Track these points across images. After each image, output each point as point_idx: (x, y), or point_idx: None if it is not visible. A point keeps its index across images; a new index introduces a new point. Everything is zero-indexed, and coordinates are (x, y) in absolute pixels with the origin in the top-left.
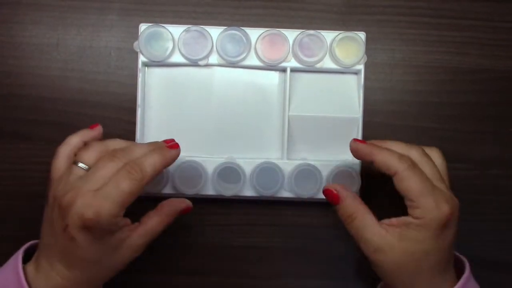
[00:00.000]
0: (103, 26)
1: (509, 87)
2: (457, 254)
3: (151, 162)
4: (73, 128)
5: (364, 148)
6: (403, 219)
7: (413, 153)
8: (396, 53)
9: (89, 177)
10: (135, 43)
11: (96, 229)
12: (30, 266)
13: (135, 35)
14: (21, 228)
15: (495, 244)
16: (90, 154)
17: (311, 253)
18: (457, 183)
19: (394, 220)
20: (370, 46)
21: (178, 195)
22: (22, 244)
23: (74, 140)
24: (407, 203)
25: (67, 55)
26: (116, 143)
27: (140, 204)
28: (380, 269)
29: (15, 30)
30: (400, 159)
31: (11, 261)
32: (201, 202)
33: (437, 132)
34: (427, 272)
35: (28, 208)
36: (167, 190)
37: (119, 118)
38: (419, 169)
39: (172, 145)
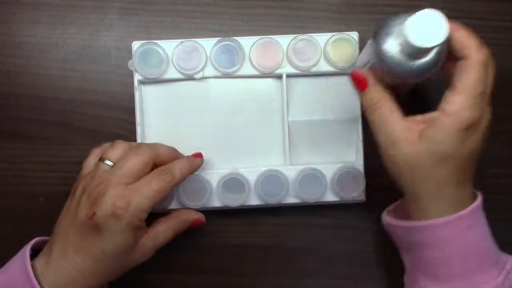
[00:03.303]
0: (103, 25)
1: (510, 86)
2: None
3: (180, 167)
4: (73, 128)
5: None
6: (428, 115)
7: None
8: None
9: (116, 169)
10: (130, 62)
11: (123, 220)
12: (39, 260)
13: (134, 35)
14: (21, 227)
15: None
16: (116, 152)
17: (311, 252)
18: None
19: (419, 116)
20: None
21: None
22: (23, 243)
23: (107, 144)
24: (446, 92)
25: (66, 55)
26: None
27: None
28: (393, 165)
29: (14, 29)
30: (481, 48)
31: (17, 257)
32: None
33: None
34: (442, 178)
35: (27, 208)
36: (174, 205)
37: (119, 118)
38: (489, 70)
39: (196, 154)
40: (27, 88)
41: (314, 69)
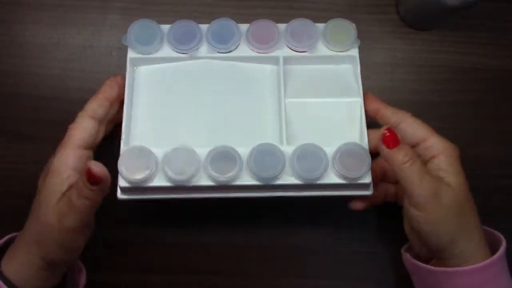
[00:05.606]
0: (104, 25)
1: (510, 86)
2: (493, 231)
3: (87, 105)
4: None
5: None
6: (430, 165)
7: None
8: (397, 52)
9: None
10: (124, 36)
11: (51, 170)
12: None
13: None
14: (21, 228)
15: None
16: None
17: (312, 253)
18: None
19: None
20: (371, 45)
21: (170, 187)
22: None
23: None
24: (421, 151)
25: (68, 55)
26: None
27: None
28: (435, 214)
29: (16, 29)
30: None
31: None
32: (202, 201)
33: (438, 131)
34: (474, 216)
35: (28, 208)
36: (157, 182)
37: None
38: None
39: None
40: (29, 88)
41: (311, 52)
